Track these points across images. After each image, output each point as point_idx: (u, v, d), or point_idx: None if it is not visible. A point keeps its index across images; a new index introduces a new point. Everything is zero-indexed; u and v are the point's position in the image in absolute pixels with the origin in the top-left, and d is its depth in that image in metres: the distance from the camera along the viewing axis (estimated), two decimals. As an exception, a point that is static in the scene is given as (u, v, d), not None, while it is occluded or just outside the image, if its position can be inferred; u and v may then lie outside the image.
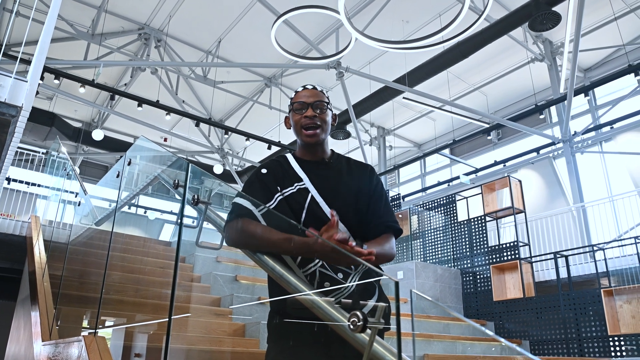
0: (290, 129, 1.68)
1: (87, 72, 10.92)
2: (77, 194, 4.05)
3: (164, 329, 1.64)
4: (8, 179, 8.45)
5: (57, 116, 11.01)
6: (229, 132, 11.69)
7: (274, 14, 8.76)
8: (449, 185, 12.38)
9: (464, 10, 6.52)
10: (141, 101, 9.49)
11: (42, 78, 8.00)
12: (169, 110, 10.23)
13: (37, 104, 11.76)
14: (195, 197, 1.59)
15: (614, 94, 10.30)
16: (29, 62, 7.95)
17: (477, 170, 11.82)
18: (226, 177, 14.56)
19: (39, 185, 8.41)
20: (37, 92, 8.15)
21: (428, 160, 14.62)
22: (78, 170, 5.78)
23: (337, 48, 9.19)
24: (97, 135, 9.57)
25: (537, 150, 10.47)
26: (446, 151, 13.40)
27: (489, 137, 11.82)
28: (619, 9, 9.26)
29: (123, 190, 2.84)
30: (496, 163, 11.29)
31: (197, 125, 10.65)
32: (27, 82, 2.85)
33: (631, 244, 6.31)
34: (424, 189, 13.36)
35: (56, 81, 9.03)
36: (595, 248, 6.51)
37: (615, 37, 9.50)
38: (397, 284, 0.98)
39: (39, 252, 4.46)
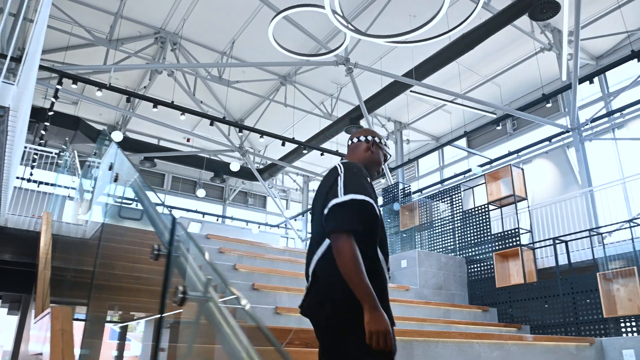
0: (367, 151, 2.09)
1: (106, 77, 11.43)
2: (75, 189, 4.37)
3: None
4: (37, 182, 8.91)
5: (81, 120, 11.57)
6: (244, 130, 11.98)
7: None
8: (464, 176, 12.37)
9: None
10: (157, 103, 9.87)
11: (60, 83, 8.45)
12: (187, 111, 10.51)
13: (63, 109, 12.37)
14: (116, 175, 1.81)
15: (627, 81, 10.07)
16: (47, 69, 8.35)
17: (492, 161, 11.84)
18: (246, 174, 14.95)
19: (58, 186, 8.85)
20: (58, 97, 8.58)
21: (446, 153, 14.66)
22: (79, 166, 6.13)
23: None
24: (116, 136, 10.05)
25: (549, 139, 10.39)
26: (463, 143, 13.44)
27: (498, 128, 11.73)
28: (625, -5, 9.08)
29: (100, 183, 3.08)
30: (510, 153, 11.30)
31: (211, 124, 10.97)
32: (14, 84, 3.11)
33: (628, 227, 6.26)
34: (441, 181, 13.36)
35: (74, 86, 9.51)
36: (593, 233, 6.56)
37: (625, 24, 9.35)
38: (174, 218, 1.15)
39: (43, 244, 4.82)
